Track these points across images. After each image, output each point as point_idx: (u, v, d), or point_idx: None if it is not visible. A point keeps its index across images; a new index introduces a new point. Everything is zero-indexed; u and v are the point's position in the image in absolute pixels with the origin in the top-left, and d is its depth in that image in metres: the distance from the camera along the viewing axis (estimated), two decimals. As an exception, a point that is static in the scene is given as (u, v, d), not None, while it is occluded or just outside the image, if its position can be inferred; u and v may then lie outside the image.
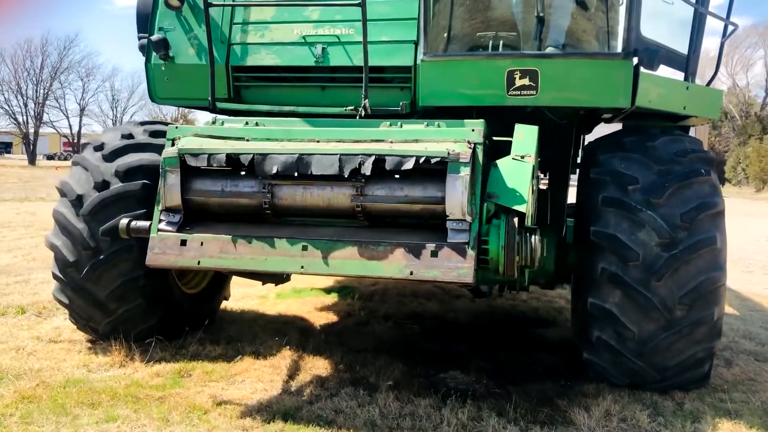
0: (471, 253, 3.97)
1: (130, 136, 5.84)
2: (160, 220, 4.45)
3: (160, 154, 5.56)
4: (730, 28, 5.92)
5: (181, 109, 57.37)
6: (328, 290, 8.63)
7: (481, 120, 4.57)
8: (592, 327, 4.88)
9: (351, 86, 5.52)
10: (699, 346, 4.71)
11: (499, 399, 4.79)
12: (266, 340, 6.04)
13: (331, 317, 7.16)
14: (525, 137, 4.52)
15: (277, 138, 4.49)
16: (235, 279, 6.99)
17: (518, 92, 4.90)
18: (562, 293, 8.36)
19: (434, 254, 4.01)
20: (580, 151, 7.06)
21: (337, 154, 4.15)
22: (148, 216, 5.22)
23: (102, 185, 5.41)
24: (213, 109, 5.46)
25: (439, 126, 4.49)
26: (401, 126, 4.57)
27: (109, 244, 5.31)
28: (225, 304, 7.04)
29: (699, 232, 4.59)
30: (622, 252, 4.64)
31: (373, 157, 4.10)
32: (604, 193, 4.83)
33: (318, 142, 4.41)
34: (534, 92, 4.88)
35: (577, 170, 6.07)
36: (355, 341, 6.14)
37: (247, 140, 4.51)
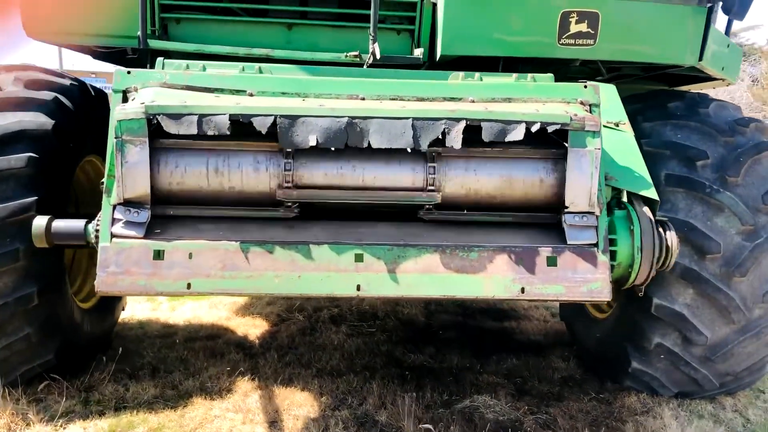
0: (603, 258, 2.87)
1: (-6, 87, 3.94)
2: (115, 220, 2.80)
3: (47, 114, 3.87)
4: None
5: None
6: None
7: (550, 74, 3.47)
8: (651, 332, 4.03)
9: (328, 26, 4.14)
10: (768, 348, 4.06)
11: (556, 430, 3.80)
12: (204, 367, 4.49)
13: (262, 324, 5.68)
14: (609, 99, 3.47)
15: (299, 93, 3.01)
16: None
17: (572, 40, 3.84)
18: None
19: (552, 262, 2.84)
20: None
21: (409, 118, 2.80)
22: (44, 208, 3.53)
23: (-40, 162, 3.54)
24: (139, 50, 3.76)
25: (535, 80, 3.29)
26: (481, 79, 3.31)
27: (-22, 251, 3.50)
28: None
29: (781, 216, 3.88)
30: (698, 242, 3.79)
31: (463, 123, 2.81)
32: (666, 170, 3.94)
33: (363, 99, 3.01)
34: (591, 41, 3.85)
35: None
36: (319, 359, 4.78)
37: (251, 95, 2.98)
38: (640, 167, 3.21)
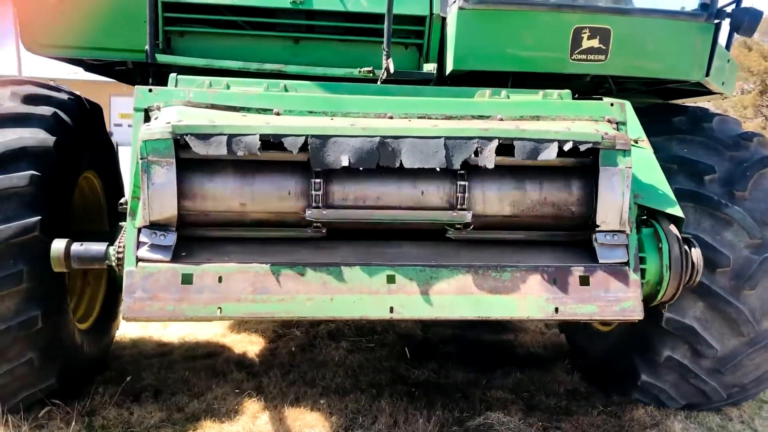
0: (634, 277, 2.87)
1: (-7, 102, 3.80)
2: (140, 243, 2.70)
3: (47, 130, 3.75)
4: None
5: None
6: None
7: (568, 91, 3.47)
8: (661, 345, 4.04)
9: (336, 39, 4.09)
10: (775, 359, 4.10)
11: (573, 447, 3.80)
12: (208, 388, 4.38)
13: (259, 341, 5.57)
14: (627, 116, 3.47)
15: (326, 111, 2.95)
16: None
17: (584, 56, 3.85)
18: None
19: (585, 281, 2.83)
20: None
21: (441, 137, 2.76)
22: (48, 227, 3.42)
23: (-40, 180, 3.41)
24: (147, 64, 3.66)
25: (561, 97, 3.28)
26: (508, 96, 3.29)
27: (-21, 273, 3.36)
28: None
29: (787, 230, 3.94)
30: (708, 256, 3.80)
31: (495, 141, 2.79)
32: (674, 185, 3.95)
33: (391, 118, 2.96)
34: (603, 57, 3.87)
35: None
36: (323, 377, 4.70)
37: (278, 113, 2.91)
38: (663, 184, 3.23)
